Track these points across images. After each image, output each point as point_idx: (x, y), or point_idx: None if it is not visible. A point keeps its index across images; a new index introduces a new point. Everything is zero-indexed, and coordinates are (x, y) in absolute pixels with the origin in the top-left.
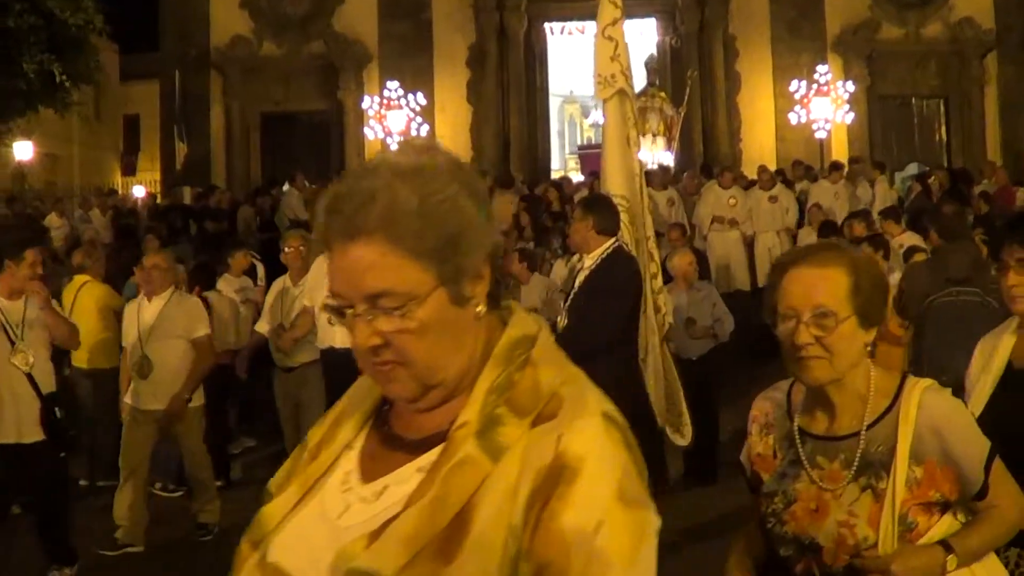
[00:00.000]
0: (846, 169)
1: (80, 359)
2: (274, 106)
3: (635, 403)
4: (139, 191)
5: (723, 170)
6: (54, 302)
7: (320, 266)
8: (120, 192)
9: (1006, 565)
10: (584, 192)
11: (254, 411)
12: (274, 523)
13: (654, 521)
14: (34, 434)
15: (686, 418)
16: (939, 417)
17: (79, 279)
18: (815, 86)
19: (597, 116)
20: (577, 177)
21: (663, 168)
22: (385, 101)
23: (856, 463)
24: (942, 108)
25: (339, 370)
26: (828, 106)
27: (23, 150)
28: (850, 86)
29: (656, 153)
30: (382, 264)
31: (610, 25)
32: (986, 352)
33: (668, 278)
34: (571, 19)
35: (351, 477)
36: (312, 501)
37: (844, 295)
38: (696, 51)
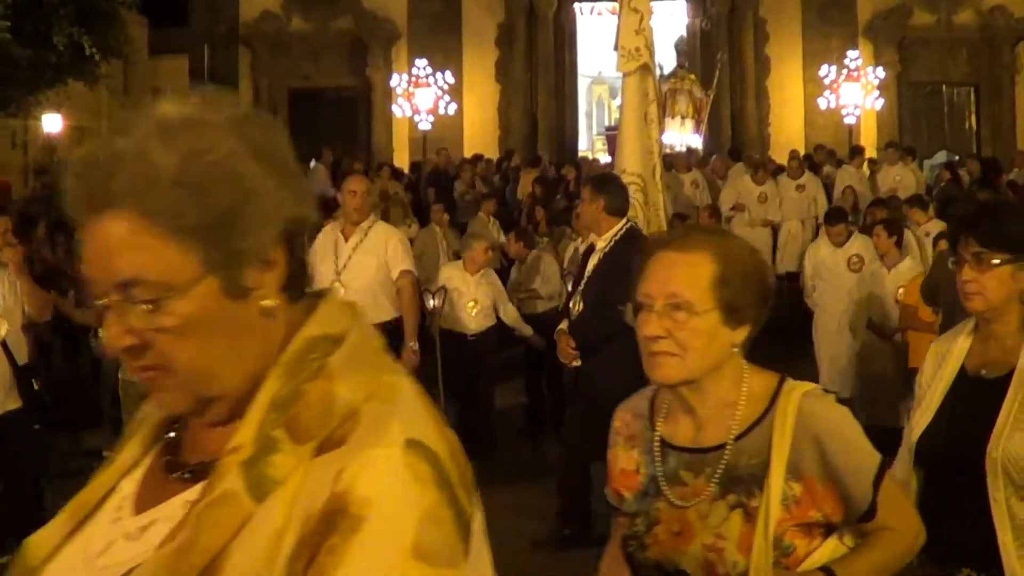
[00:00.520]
0: (867, 155)
1: None
2: (302, 82)
3: None
4: None
5: (757, 165)
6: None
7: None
8: None
9: None
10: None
11: None
12: (39, 558)
13: None
14: (9, 402)
15: None
16: (820, 426)
17: None
18: (845, 71)
19: None
20: (605, 158)
21: (690, 150)
22: (413, 79)
23: (720, 477)
24: (972, 96)
25: None
26: (858, 92)
27: (52, 123)
28: (880, 72)
29: (684, 136)
30: (131, 244)
31: None
32: (939, 356)
33: None
34: None
35: (125, 505)
36: (82, 533)
37: (706, 285)
38: (726, 34)
